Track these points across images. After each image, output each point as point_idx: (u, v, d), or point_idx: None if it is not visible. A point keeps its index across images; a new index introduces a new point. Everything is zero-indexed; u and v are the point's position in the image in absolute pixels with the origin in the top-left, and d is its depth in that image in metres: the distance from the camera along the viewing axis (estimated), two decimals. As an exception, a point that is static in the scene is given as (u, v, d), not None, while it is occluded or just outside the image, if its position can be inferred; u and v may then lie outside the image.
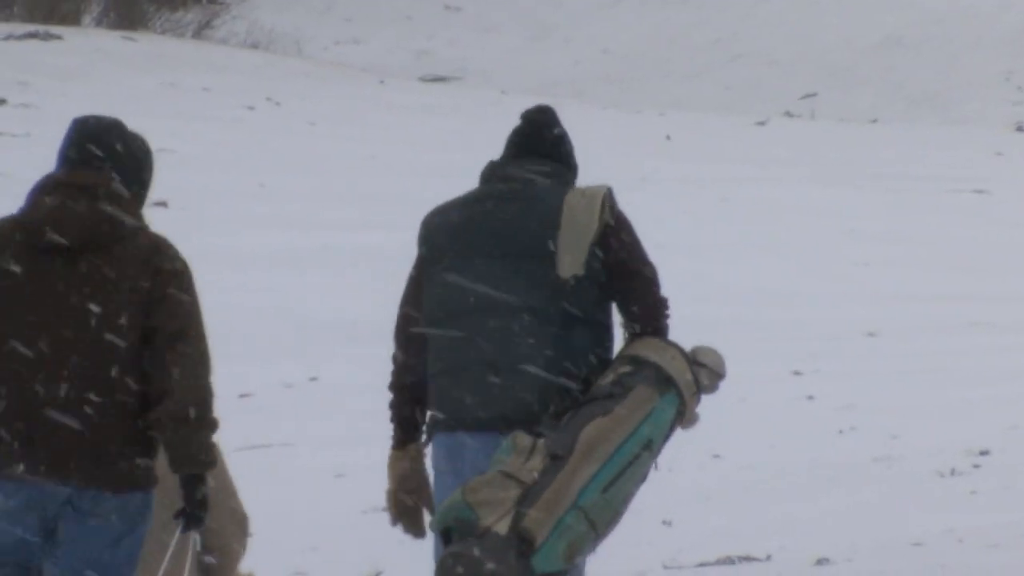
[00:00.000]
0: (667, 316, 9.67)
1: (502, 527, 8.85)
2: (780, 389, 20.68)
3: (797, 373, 21.64)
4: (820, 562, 15.16)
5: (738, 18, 62.46)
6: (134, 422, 8.56)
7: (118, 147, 8.89)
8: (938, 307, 25.89)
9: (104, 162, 8.73)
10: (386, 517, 10.11)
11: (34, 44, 47.93)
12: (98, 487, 8.48)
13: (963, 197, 34.84)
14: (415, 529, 9.86)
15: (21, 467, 8.47)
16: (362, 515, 18.36)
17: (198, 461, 8.60)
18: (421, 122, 43.83)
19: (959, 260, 29.95)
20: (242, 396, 23.38)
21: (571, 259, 9.41)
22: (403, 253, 11.52)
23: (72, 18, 56.04)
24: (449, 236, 9.65)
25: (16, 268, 8.55)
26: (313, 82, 48.71)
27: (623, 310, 9.58)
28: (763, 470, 17.54)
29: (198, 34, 56.89)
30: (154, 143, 32.16)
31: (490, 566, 8.72)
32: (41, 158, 34.82)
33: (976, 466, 18.48)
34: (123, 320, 8.54)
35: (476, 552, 8.79)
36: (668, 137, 33.72)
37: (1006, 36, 58.28)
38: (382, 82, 50.02)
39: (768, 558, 14.81)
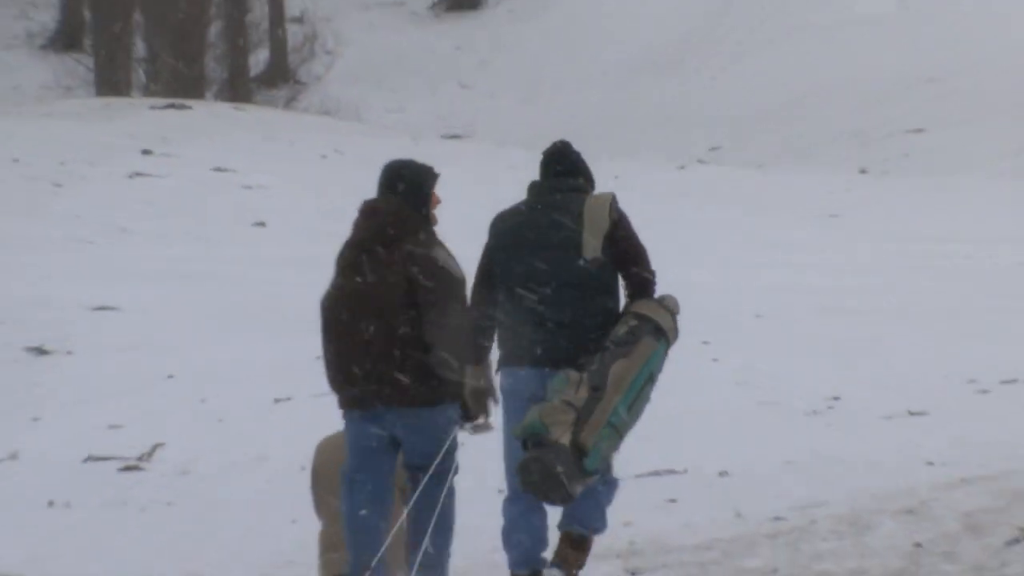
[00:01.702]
0: (655, 284, 10.50)
1: (565, 440, 9.50)
2: (693, 355, 20.23)
3: (705, 343, 21.40)
4: (722, 474, 15.74)
5: (671, 92, 63.91)
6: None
7: (405, 177, 9.93)
8: (805, 297, 26.52)
9: (393, 190, 9.88)
10: None
11: (172, 112, 48.51)
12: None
13: (822, 219, 36.02)
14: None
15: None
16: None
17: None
18: (442, 166, 42.66)
19: (819, 263, 30.59)
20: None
21: (592, 246, 10.08)
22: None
23: (199, 94, 57.00)
24: (510, 232, 10.28)
25: (348, 256, 9.97)
26: (367, 138, 48.32)
27: (627, 280, 10.32)
28: (682, 408, 17.46)
29: (287, 105, 58.74)
30: (254, 181, 31.37)
31: (559, 468, 9.45)
32: (178, 192, 35.01)
33: (830, 408, 19.21)
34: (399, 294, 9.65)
35: (550, 457, 9.53)
36: (616, 176, 34.25)
37: (857, 102, 58.10)
38: (414, 139, 49.15)
39: (685, 471, 15.33)
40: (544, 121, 57.54)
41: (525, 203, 10.49)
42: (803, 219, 36.10)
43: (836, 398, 19.91)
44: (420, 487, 9.66)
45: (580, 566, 10.22)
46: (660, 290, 10.65)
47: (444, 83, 67.09)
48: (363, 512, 9.64)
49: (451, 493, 9.77)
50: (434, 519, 9.63)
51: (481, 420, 10.47)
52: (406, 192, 10.05)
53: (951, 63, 61.82)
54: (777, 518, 14.12)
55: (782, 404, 19.86)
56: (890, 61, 64.17)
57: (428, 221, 10.11)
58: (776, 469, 16.33)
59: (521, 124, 59.59)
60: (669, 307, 10.38)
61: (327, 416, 13.56)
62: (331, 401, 11.32)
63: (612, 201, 10.34)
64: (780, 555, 12.98)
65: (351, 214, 11.75)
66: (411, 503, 9.74)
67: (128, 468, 17.60)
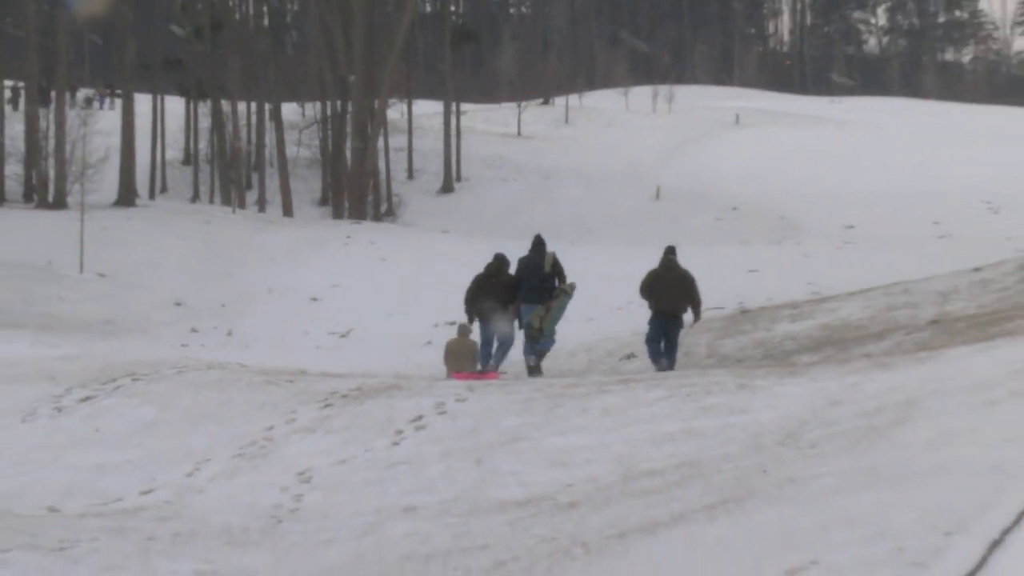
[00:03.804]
0: (566, 280, 21.29)
1: (537, 325, 20.90)
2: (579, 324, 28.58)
3: (590, 318, 29.53)
4: (572, 353, 25.93)
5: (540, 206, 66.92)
6: None
7: (499, 256, 21.85)
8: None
9: (500, 259, 21.63)
10: None
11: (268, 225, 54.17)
12: None
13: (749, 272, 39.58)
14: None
15: None
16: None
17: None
18: (448, 252, 48.03)
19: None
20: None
21: (547, 267, 21.21)
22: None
23: (288, 214, 62.23)
24: (526, 262, 21.46)
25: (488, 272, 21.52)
26: (418, 239, 52.80)
27: (558, 279, 21.24)
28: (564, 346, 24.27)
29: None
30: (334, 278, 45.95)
31: (536, 334, 20.91)
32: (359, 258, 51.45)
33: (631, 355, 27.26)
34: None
35: (535, 329, 20.94)
36: (571, 242, 36.08)
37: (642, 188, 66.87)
38: (445, 232, 53.60)
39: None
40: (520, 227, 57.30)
41: (530, 253, 21.59)
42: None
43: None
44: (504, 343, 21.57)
45: (542, 358, 21.35)
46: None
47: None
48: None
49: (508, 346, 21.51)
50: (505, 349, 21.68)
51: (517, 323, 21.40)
52: (501, 258, 21.73)
53: (876, 182, 71.48)
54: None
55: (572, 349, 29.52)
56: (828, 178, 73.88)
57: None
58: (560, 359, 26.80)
59: (510, 223, 54.56)
60: (568, 286, 21.20)
61: (438, 335, 27.69)
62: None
63: (554, 254, 21.69)
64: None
65: (391, 285, 27.39)
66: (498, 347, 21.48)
67: (342, 335, 34.03)
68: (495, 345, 21.31)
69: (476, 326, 21.64)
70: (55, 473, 12.30)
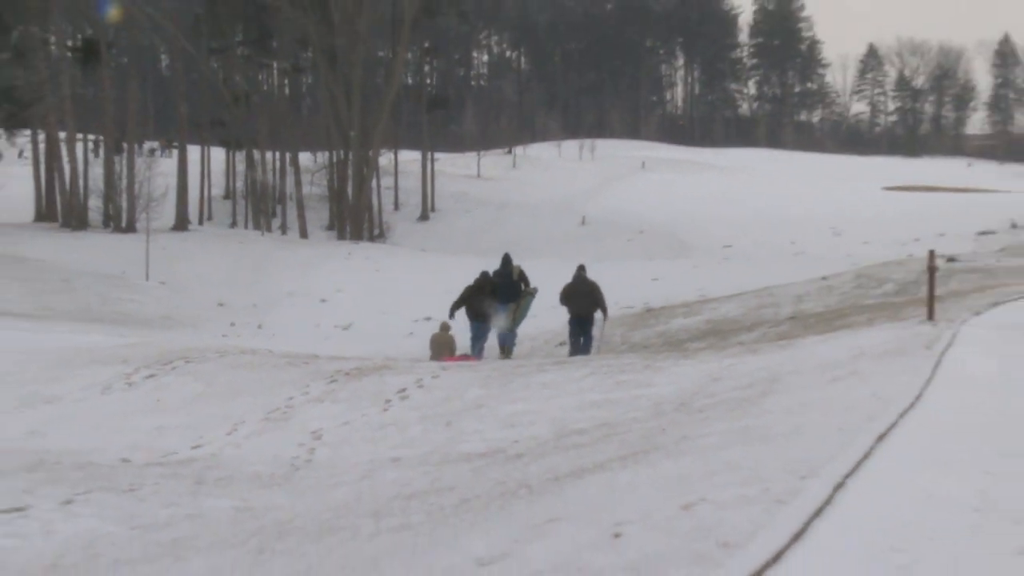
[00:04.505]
0: (530, 284, 21.50)
1: (511, 321, 21.28)
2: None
3: (533, 315, 32.78)
4: (519, 341, 24.73)
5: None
6: None
7: (505, 259, 21.61)
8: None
9: (488, 276, 21.10)
10: None
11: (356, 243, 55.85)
12: None
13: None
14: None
15: None
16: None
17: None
18: (425, 266, 46.15)
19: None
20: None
21: (515, 275, 21.29)
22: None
23: (304, 236, 61.64)
24: (497, 276, 21.32)
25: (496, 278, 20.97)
26: (403, 255, 51.75)
27: (524, 285, 21.39)
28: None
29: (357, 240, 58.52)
30: (339, 284, 43.98)
31: (508, 327, 21.13)
32: (359, 269, 49.50)
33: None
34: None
35: (508, 324, 21.13)
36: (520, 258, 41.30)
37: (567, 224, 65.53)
38: (423, 250, 52.56)
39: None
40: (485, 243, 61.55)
41: (499, 268, 21.49)
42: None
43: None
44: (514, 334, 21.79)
45: (507, 353, 21.14)
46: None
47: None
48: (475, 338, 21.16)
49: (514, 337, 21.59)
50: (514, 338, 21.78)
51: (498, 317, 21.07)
52: (486, 274, 21.25)
53: (748, 212, 70.72)
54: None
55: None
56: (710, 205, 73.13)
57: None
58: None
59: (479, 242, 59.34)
60: (531, 290, 21.72)
61: (418, 328, 28.10)
62: (399, 324, 25.62)
63: (520, 267, 21.74)
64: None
65: (390, 294, 25.70)
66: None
67: (345, 328, 31.98)
68: (489, 335, 21.30)
69: (454, 323, 21.51)
70: (126, 433, 12.23)
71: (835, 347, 12.33)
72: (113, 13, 50.27)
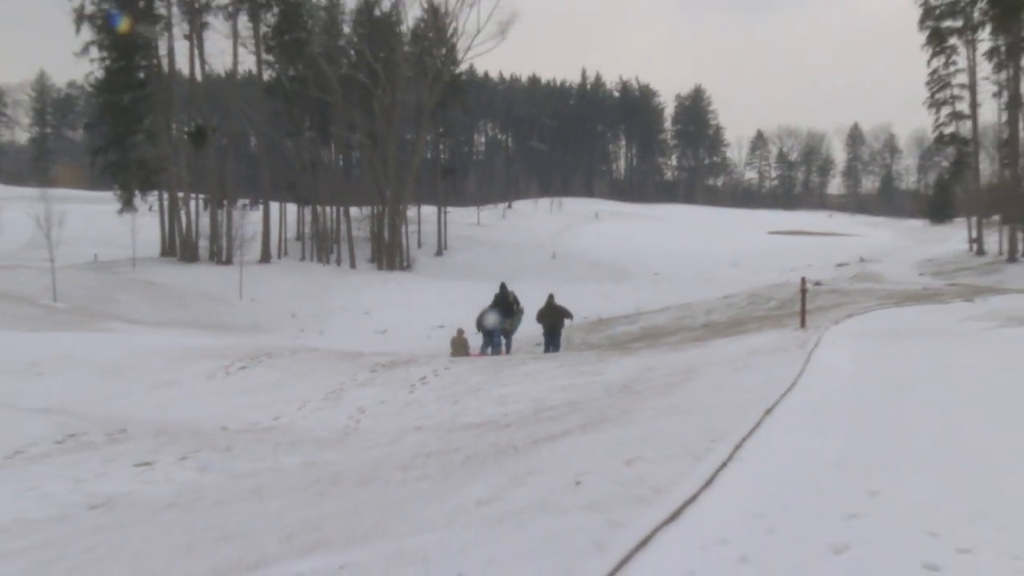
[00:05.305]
0: (520, 306, 19.79)
1: (508, 327, 19.88)
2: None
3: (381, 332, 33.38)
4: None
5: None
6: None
7: (503, 286, 20.07)
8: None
9: (503, 288, 19.97)
10: None
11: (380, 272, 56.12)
12: None
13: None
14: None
15: None
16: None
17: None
18: (441, 288, 45.07)
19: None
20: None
21: (511, 300, 19.62)
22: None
23: (353, 267, 60.34)
24: (496, 298, 19.96)
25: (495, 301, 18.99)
26: (424, 281, 50.52)
27: (515, 306, 19.67)
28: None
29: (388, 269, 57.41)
30: (378, 304, 41.17)
31: (508, 328, 19.68)
32: (391, 295, 46.99)
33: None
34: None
35: (508, 329, 19.69)
36: (508, 283, 42.34)
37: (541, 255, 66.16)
38: (438, 277, 50.43)
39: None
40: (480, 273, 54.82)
41: (498, 292, 20.29)
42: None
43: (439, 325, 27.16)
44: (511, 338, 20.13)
45: (500, 353, 19.15)
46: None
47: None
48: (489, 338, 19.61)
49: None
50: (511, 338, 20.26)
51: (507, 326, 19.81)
52: (498, 295, 19.70)
53: (671, 249, 68.35)
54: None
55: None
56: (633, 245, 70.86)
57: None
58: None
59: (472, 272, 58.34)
60: (520, 308, 20.68)
61: (435, 333, 26.68)
62: (427, 329, 24.66)
63: (513, 292, 20.48)
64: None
65: (414, 312, 23.93)
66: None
67: (382, 333, 30.44)
68: (496, 339, 20.42)
69: (473, 328, 21.08)
70: (224, 408, 12.08)
71: (736, 346, 12.27)
72: (123, 24, 48.03)
